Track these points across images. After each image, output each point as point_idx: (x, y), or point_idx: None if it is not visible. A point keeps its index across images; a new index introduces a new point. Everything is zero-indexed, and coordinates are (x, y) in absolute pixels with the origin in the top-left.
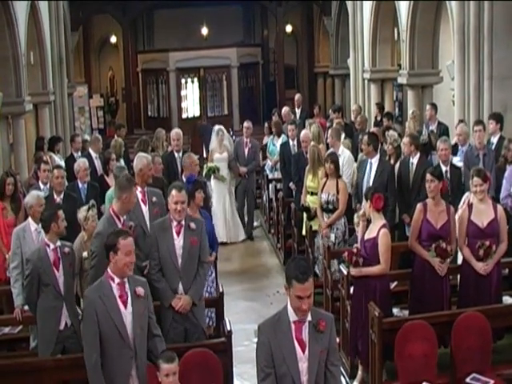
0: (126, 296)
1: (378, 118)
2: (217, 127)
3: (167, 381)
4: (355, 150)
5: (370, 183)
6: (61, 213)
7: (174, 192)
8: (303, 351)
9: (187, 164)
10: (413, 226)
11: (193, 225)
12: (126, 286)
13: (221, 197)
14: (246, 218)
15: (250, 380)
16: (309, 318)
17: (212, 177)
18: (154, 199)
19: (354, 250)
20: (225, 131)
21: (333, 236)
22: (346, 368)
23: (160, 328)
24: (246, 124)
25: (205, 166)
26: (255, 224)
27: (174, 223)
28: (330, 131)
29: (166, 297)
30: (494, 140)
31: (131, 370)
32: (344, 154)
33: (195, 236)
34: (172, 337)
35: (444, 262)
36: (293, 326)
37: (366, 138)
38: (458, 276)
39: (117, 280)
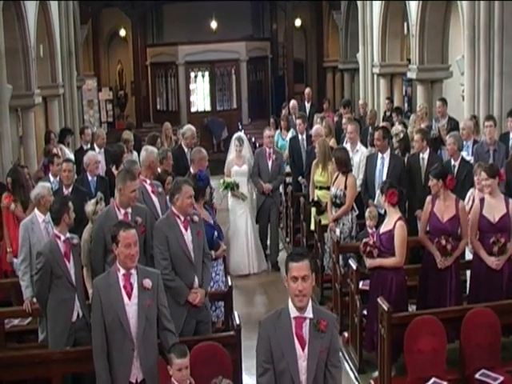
0: (131, 287)
1: (388, 114)
2: (236, 135)
3: (180, 374)
4: (363, 145)
5: (383, 178)
6: (70, 204)
7: (187, 187)
8: (303, 349)
9: (196, 159)
10: (422, 218)
11: (196, 217)
12: (133, 277)
13: (241, 219)
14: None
15: None
16: (310, 315)
17: (229, 194)
18: (160, 190)
19: (371, 242)
20: (245, 140)
21: (338, 231)
22: (354, 363)
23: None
24: (267, 132)
25: (221, 181)
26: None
27: (182, 219)
28: (349, 127)
29: (182, 294)
30: None
31: (133, 361)
32: (361, 150)
33: (199, 228)
34: (185, 333)
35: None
36: (293, 322)
37: (380, 132)
38: (468, 272)
39: (122, 271)
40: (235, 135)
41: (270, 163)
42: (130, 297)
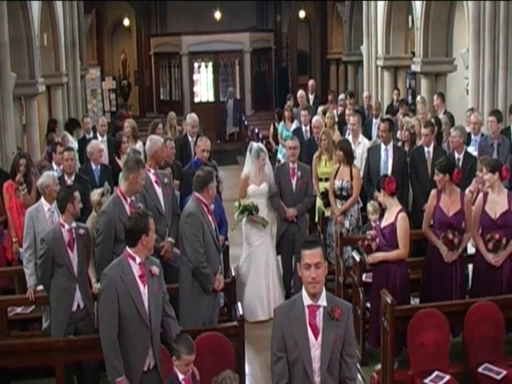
0: (146, 276)
1: (396, 104)
2: (255, 145)
3: (186, 369)
4: (366, 136)
5: (389, 169)
6: (77, 194)
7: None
8: (316, 337)
9: (200, 148)
10: (427, 212)
11: (212, 206)
12: (146, 265)
13: (259, 251)
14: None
15: (260, 365)
16: (324, 303)
17: (244, 220)
18: (166, 180)
19: (369, 236)
20: (267, 153)
21: (347, 223)
22: (357, 355)
23: (197, 316)
24: (291, 143)
25: (236, 204)
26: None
27: (208, 206)
28: (351, 118)
29: (211, 281)
30: None
31: (148, 349)
32: (363, 142)
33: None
34: (213, 321)
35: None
36: (307, 311)
37: (386, 124)
38: (470, 266)
39: (138, 260)
40: (255, 146)
41: (294, 182)
42: (144, 285)
